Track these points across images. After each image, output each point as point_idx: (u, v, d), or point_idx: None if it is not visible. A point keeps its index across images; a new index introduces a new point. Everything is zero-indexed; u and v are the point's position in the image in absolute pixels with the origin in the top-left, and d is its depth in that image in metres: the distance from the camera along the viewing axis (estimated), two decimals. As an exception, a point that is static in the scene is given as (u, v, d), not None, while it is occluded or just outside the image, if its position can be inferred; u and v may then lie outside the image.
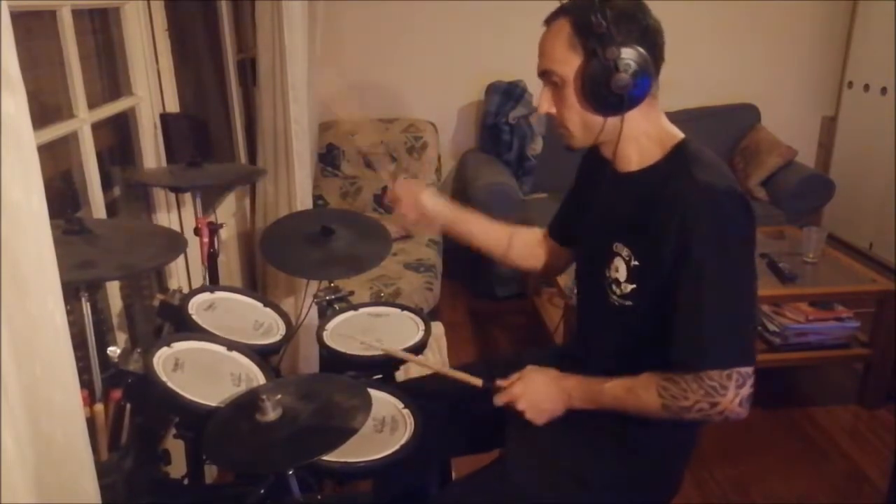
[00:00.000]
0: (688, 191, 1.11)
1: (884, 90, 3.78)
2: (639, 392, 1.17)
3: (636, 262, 1.19)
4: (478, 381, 1.33)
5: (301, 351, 2.34)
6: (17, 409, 0.69)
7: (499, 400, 1.29)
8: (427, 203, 1.48)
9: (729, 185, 1.13)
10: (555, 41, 1.17)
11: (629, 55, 1.12)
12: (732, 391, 1.09)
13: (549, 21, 1.19)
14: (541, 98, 1.23)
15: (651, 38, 1.15)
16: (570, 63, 1.16)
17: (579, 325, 1.45)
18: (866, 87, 3.92)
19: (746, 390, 1.11)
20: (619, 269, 1.21)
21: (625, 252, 1.20)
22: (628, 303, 1.21)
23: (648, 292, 1.18)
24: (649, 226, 1.15)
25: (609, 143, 1.23)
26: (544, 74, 1.20)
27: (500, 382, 1.31)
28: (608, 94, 1.13)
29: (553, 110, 1.22)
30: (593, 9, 1.10)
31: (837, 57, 4.13)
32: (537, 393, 1.27)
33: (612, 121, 1.18)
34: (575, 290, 1.63)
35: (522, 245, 1.55)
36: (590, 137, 1.22)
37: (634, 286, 1.20)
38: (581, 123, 1.20)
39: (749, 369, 1.11)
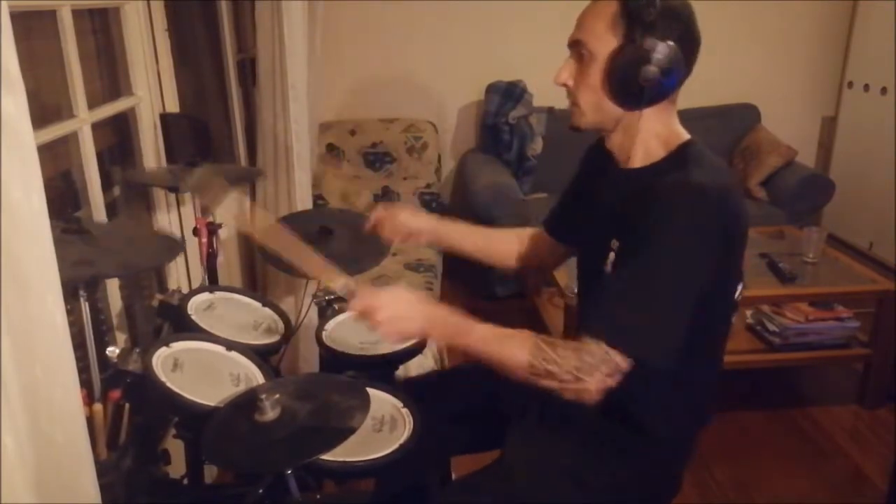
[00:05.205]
0: (673, 185, 1.10)
1: (884, 90, 3.78)
2: (510, 343, 1.13)
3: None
4: (337, 283, 1.23)
5: (301, 351, 2.34)
6: (17, 410, 0.70)
7: (356, 305, 1.18)
8: (408, 222, 1.48)
9: (720, 186, 1.11)
10: (598, 15, 1.15)
11: (665, 51, 1.10)
12: (600, 375, 1.06)
13: None
14: (562, 68, 1.20)
15: (689, 44, 1.14)
16: (605, 42, 1.13)
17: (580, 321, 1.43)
18: (866, 87, 3.92)
19: (611, 381, 1.08)
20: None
21: (616, 246, 1.19)
22: None
23: None
24: (635, 222, 1.14)
25: (615, 134, 1.22)
26: (575, 45, 1.18)
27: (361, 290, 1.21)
28: (632, 84, 1.12)
29: (570, 83, 1.19)
30: None
31: (837, 57, 4.13)
32: (399, 307, 1.18)
33: (627, 114, 1.17)
34: (575, 289, 1.62)
35: (500, 247, 1.54)
36: (598, 121, 1.20)
37: None
38: (595, 105, 1.18)
39: (626, 364, 1.07)
